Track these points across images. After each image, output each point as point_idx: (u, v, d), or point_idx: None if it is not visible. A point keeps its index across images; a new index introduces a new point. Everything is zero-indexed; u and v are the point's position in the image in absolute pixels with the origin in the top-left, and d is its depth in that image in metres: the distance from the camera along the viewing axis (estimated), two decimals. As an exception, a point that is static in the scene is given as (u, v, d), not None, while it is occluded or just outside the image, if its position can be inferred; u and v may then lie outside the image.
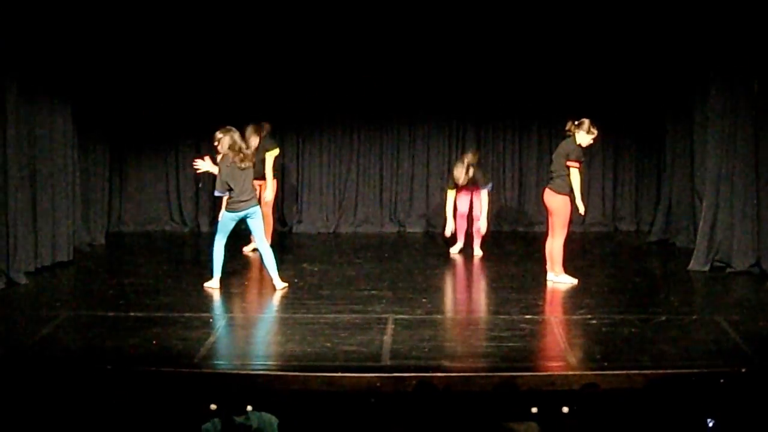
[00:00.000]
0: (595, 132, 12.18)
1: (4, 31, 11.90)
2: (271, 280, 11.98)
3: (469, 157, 14.04)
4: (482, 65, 16.12)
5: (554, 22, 15.45)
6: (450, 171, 14.67)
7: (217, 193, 11.89)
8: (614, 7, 14.78)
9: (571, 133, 12.12)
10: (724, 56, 12.89)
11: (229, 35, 15.54)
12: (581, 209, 12.27)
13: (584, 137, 12.09)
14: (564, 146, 12.21)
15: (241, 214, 11.79)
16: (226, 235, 11.94)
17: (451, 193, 14.19)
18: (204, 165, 12.15)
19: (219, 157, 11.86)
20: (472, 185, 14.06)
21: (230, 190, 11.72)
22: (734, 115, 12.81)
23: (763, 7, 11.95)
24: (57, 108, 13.37)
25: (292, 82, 16.12)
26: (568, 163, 11.99)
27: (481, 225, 14.15)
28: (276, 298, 11.66)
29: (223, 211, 12.02)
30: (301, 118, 16.50)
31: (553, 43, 15.78)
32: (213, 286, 11.99)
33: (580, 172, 12.14)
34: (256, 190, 12.23)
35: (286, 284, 12.02)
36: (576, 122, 12.12)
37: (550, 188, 12.22)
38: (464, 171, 13.83)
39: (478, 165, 14.25)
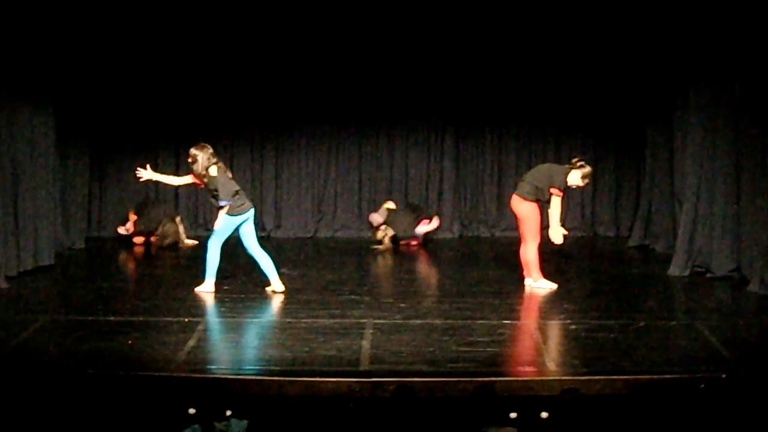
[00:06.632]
0: (585, 183, 12.15)
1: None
2: (270, 283, 11.96)
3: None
4: (462, 71, 16.15)
5: (535, 29, 15.50)
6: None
7: (223, 203, 11.66)
8: (594, 14, 14.81)
9: (572, 166, 12.08)
10: (704, 60, 12.92)
11: (208, 42, 15.56)
12: (557, 239, 12.10)
13: (576, 179, 12.00)
14: (555, 169, 12.19)
15: (245, 216, 11.75)
16: (223, 239, 11.89)
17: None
18: (146, 174, 12.16)
19: (215, 169, 11.69)
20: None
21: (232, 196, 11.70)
22: (714, 120, 12.81)
23: (743, 12, 11.98)
24: (38, 113, 13.29)
25: (270, 87, 16.13)
26: (552, 190, 11.92)
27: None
28: (254, 303, 11.61)
29: (223, 216, 11.74)
30: (279, 123, 16.51)
31: (534, 50, 15.84)
32: (207, 290, 11.91)
33: (562, 203, 12.15)
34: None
35: (284, 288, 12.03)
36: (582, 162, 12.09)
37: (518, 194, 12.17)
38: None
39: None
